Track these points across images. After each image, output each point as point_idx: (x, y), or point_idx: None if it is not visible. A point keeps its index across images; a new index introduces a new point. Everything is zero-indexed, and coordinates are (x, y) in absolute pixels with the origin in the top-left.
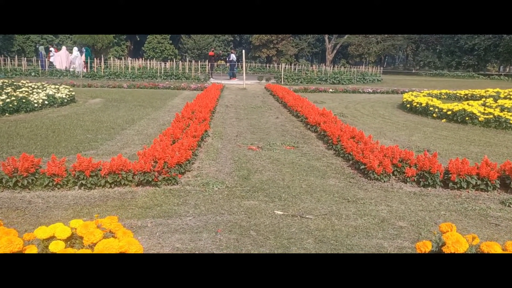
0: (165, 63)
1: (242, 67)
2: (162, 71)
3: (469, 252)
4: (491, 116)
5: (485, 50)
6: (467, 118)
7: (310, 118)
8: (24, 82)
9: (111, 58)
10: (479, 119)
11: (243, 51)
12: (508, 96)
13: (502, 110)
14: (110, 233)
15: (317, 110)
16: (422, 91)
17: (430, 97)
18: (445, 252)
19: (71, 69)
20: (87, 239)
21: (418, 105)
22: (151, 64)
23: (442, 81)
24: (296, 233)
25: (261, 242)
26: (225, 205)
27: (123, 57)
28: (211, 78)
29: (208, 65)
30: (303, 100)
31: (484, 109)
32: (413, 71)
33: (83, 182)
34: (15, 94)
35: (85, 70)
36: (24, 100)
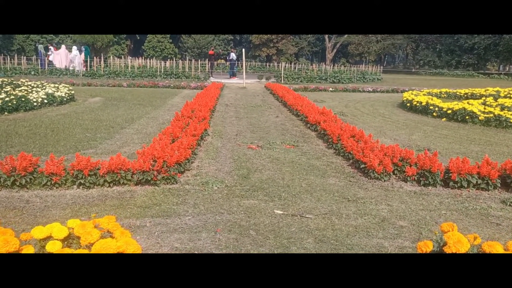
0: (165, 62)
1: (242, 66)
2: (162, 70)
3: (471, 252)
4: (491, 115)
5: (485, 49)
6: (467, 117)
7: (310, 117)
8: (24, 81)
9: (111, 57)
10: (479, 118)
11: (243, 50)
12: (508, 95)
13: (502, 109)
14: (108, 233)
15: (317, 109)
16: (422, 90)
17: (430, 96)
18: (447, 252)
19: (70, 68)
20: (85, 239)
21: (418, 104)
22: (151, 63)
23: (442, 80)
24: (296, 232)
25: (261, 242)
26: (225, 204)
27: (123, 56)
28: (211, 77)
29: (208, 64)
30: (303, 99)
31: (484, 108)
32: (413, 70)
33: (82, 181)
34: (14, 92)
35: (84, 69)
36: (23, 99)
